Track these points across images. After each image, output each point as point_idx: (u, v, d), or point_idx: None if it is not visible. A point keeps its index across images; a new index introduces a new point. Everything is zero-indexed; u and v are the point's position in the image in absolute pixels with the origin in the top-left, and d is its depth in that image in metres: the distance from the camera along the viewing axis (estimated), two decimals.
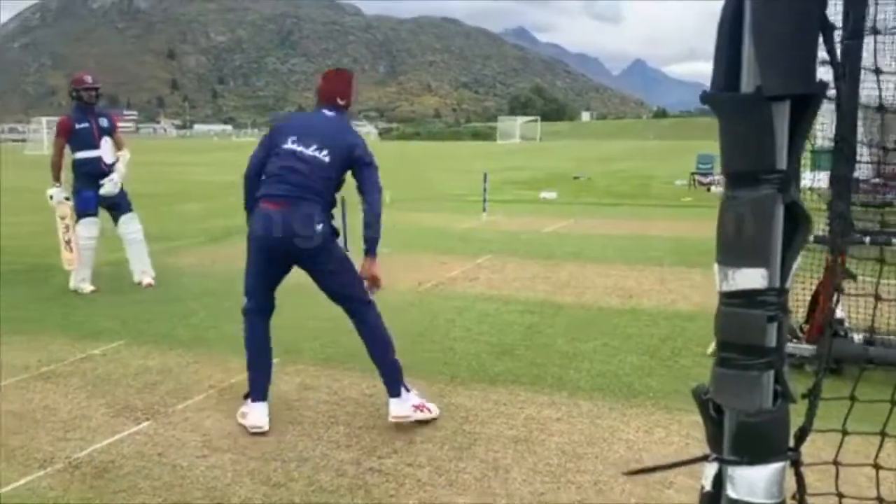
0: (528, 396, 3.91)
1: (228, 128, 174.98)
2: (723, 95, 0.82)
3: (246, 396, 3.68)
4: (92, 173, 6.44)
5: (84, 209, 6.50)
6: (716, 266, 0.87)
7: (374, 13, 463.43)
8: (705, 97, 0.83)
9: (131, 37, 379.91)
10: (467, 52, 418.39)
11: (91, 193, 6.47)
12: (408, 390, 3.65)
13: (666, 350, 4.70)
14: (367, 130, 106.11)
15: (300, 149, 3.58)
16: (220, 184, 18.55)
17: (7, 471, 3.10)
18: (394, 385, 3.62)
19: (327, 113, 3.78)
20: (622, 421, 3.60)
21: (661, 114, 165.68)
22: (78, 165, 6.52)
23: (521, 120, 73.80)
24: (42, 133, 45.84)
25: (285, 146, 3.61)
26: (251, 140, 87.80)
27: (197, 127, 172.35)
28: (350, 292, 3.78)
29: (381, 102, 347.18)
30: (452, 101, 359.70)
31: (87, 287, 6.50)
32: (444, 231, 10.00)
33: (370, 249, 3.72)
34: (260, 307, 3.78)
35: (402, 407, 3.56)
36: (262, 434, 3.45)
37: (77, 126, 6.41)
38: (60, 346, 4.89)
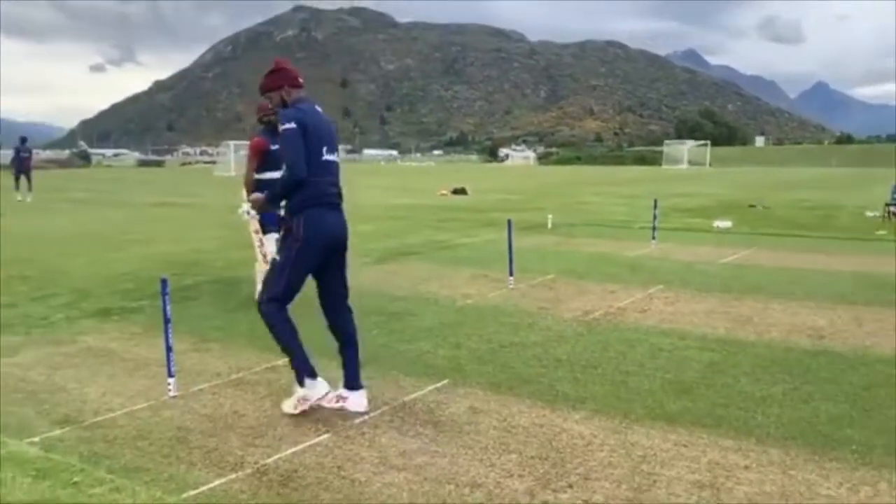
0: (710, 439, 3.67)
1: (394, 152, 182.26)
2: None
3: (301, 383, 4.00)
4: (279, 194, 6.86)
5: (269, 226, 6.89)
6: None
7: (538, 39, 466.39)
8: None
9: (309, 66, 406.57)
10: (632, 76, 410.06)
11: (275, 214, 6.87)
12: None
13: (867, 399, 4.25)
14: (525, 154, 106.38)
15: (332, 158, 4.04)
16: (386, 206, 19.30)
17: (203, 471, 3.32)
18: (358, 378, 4.13)
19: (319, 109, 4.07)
20: (820, 474, 3.27)
21: (846, 139, 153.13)
22: (264, 185, 6.89)
23: (689, 144, 71.02)
24: (230, 155, 49.98)
25: (324, 158, 3.97)
26: (414, 164, 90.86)
27: (365, 152, 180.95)
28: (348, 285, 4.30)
29: (540, 127, 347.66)
30: (615, 124, 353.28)
31: None
32: (610, 258, 9.74)
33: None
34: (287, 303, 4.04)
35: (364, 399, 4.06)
36: (436, 454, 3.47)
37: (271, 147, 6.85)
38: (248, 355, 5.21)
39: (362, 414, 4.01)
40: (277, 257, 4.01)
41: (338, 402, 4.08)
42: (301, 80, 4.11)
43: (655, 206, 11.12)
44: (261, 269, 6.83)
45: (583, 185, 30.74)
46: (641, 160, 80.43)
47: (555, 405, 4.16)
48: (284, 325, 4.01)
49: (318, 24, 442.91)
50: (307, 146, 3.87)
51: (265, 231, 6.94)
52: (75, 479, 3.19)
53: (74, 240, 12.01)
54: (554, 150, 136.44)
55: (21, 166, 22.94)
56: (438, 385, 4.50)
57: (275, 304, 4.00)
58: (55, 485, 3.13)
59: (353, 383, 4.09)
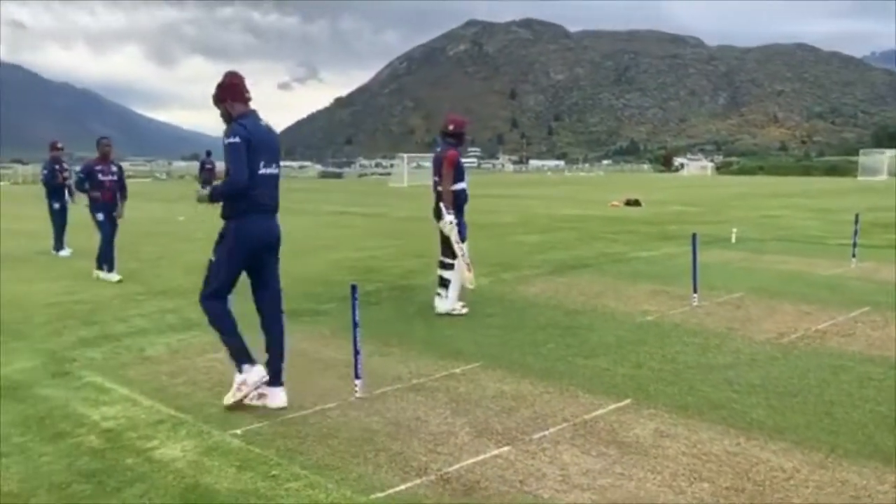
0: None
1: (561, 163, 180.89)
2: None
3: (239, 370, 4.39)
4: (463, 203, 6.98)
5: (462, 236, 6.99)
6: None
7: (717, 43, 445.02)
8: None
9: (479, 79, 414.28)
10: (823, 80, 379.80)
11: (464, 220, 7.00)
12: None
13: None
14: (701, 164, 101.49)
15: (270, 171, 4.45)
16: (554, 216, 19.12)
17: (389, 474, 3.40)
18: (280, 376, 4.45)
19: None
20: None
21: None
22: (455, 195, 7.00)
23: (889, 153, 64.47)
24: (403, 168, 51.92)
25: (261, 172, 4.35)
26: (582, 175, 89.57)
27: (532, 162, 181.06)
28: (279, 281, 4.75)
29: (719, 135, 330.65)
30: (802, 132, 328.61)
31: (462, 309, 6.91)
32: (804, 277, 8.99)
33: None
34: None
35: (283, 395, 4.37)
36: (622, 477, 3.33)
37: (460, 160, 7.01)
38: (426, 361, 5.31)
39: (280, 408, 4.31)
40: (213, 258, 4.56)
41: (259, 398, 4.37)
42: (248, 95, 4.47)
43: (857, 222, 10.14)
44: (468, 277, 6.92)
45: (768, 197, 28.76)
46: (833, 171, 74.03)
47: (749, 433, 3.87)
48: (224, 317, 4.53)
49: (490, 37, 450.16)
50: (248, 160, 4.27)
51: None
52: (273, 472, 3.39)
53: None
54: (733, 159, 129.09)
55: (207, 176, 25.56)
56: (620, 404, 4.34)
57: (213, 299, 4.54)
58: (256, 476, 3.34)
59: (274, 380, 4.42)
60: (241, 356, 4.43)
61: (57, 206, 11.89)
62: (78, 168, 10.23)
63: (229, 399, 4.36)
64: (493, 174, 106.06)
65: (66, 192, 12.04)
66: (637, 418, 4.11)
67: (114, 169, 9.74)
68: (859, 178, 58.22)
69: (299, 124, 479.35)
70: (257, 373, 4.37)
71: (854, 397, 4.43)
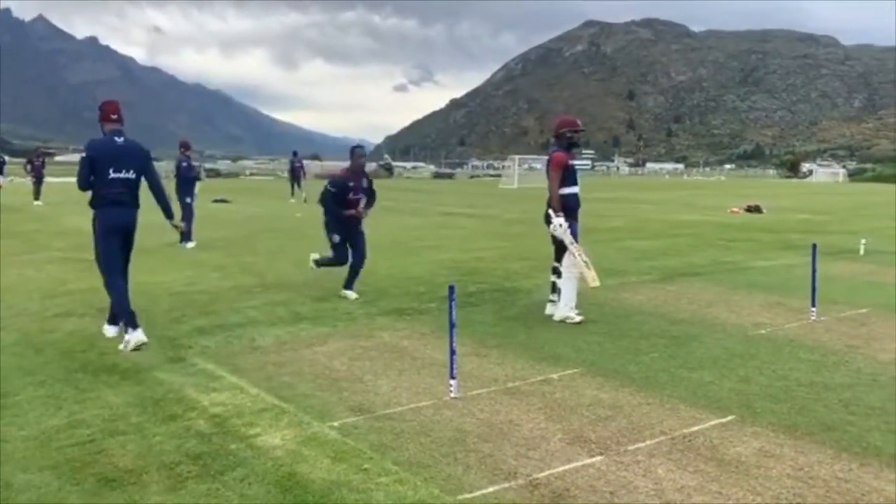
0: None
1: (680, 166, 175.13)
2: None
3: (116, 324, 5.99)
4: (574, 207, 6.86)
5: (574, 239, 6.84)
6: None
7: (854, 42, 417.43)
8: None
9: (596, 80, 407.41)
10: None
11: (575, 225, 6.86)
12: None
13: None
14: (832, 170, 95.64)
15: (120, 175, 5.78)
16: (668, 222, 18.53)
17: (478, 476, 3.41)
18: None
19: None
20: None
21: None
22: (565, 199, 6.86)
23: None
24: (514, 169, 51.84)
25: (110, 176, 5.75)
26: (702, 179, 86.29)
27: (648, 165, 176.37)
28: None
29: (853, 140, 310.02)
30: None
31: (576, 317, 6.69)
32: None
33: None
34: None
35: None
36: (719, 496, 3.20)
37: (569, 163, 6.89)
38: (523, 364, 5.29)
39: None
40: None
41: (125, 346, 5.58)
42: (115, 116, 5.86)
43: None
44: (591, 276, 6.74)
45: None
46: None
47: (864, 459, 3.62)
48: (119, 287, 5.80)
49: (608, 37, 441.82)
50: (95, 168, 5.68)
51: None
52: (366, 465, 3.47)
53: (377, 244, 13.19)
54: (868, 165, 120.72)
55: (294, 174, 27.79)
56: (723, 420, 4.16)
57: (108, 274, 5.84)
58: (349, 469, 3.44)
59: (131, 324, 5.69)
60: (128, 318, 5.67)
61: (188, 199, 12.68)
62: (328, 182, 8.13)
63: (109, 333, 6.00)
64: (607, 177, 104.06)
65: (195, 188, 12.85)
66: (740, 436, 3.93)
67: (364, 185, 8.06)
68: None
69: (414, 125, 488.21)
70: (138, 335, 5.60)
71: None
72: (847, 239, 13.53)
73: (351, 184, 7.90)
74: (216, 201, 24.16)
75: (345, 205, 7.88)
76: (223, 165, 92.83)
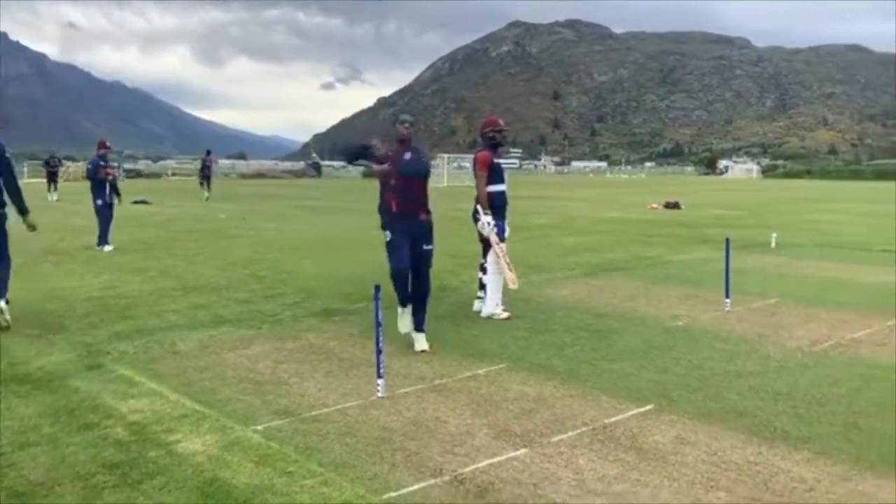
0: None
1: (603, 164, 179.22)
2: None
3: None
4: (501, 205, 6.95)
5: (500, 237, 6.94)
6: None
7: (766, 44, 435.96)
8: None
9: (521, 80, 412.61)
10: (875, 83, 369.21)
11: (503, 223, 6.96)
12: None
13: None
14: (747, 167, 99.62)
15: None
16: (593, 219, 18.97)
17: (404, 474, 3.42)
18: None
19: None
20: None
21: None
22: (492, 197, 6.93)
23: None
24: (443, 168, 52.01)
25: None
26: (624, 177, 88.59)
27: (574, 164, 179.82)
28: None
29: (765, 138, 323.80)
30: (853, 135, 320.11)
31: (503, 313, 6.80)
32: (843, 284, 8.77)
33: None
34: None
35: None
36: (637, 483, 3.30)
37: (495, 161, 6.96)
38: (451, 362, 5.33)
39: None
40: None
41: None
42: None
43: None
44: (511, 278, 6.85)
45: (814, 202, 28.11)
46: (885, 175, 71.97)
47: (773, 443, 3.80)
48: None
49: (533, 38, 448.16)
50: None
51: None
52: (290, 468, 3.44)
53: (304, 244, 13.11)
54: (780, 162, 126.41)
55: (204, 173, 28.49)
56: (642, 410, 4.30)
57: None
58: (273, 472, 3.40)
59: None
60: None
61: (99, 202, 12.21)
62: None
63: None
64: (534, 175, 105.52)
65: (110, 188, 12.36)
66: (658, 424, 4.07)
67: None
68: None
69: (343, 124, 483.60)
70: None
71: (884, 408, 4.31)
72: (760, 233, 14.13)
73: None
74: (136, 202, 23.39)
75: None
76: (144, 165, 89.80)
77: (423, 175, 5.90)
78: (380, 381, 4.54)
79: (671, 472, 3.44)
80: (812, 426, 4.04)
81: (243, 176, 70.21)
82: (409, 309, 5.77)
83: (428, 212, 5.92)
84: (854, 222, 18.18)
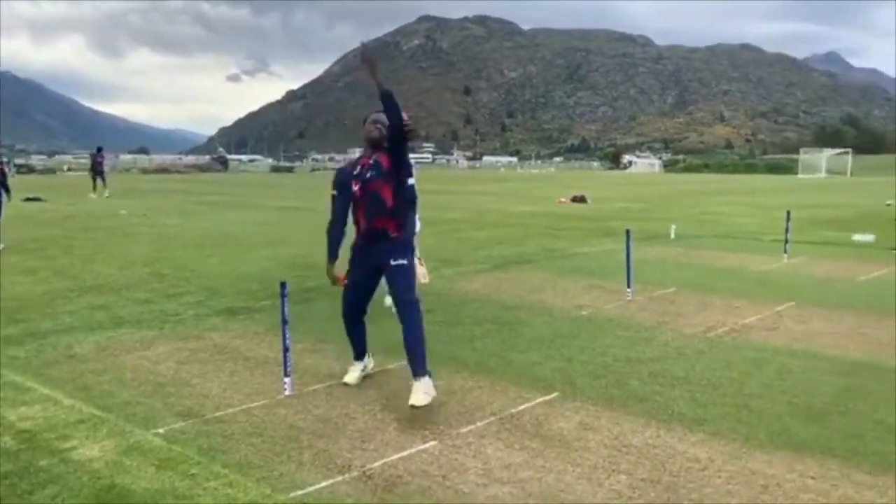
0: (842, 472, 3.37)
1: (514, 159, 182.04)
2: None
3: None
4: (411, 199, 6.92)
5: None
6: None
7: (666, 43, 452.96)
8: None
9: (433, 75, 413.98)
10: (767, 81, 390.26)
11: (414, 217, 6.93)
12: None
13: None
14: (649, 162, 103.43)
15: None
16: (504, 213, 19.25)
17: (311, 472, 3.39)
18: None
19: None
20: None
21: None
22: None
23: (828, 152, 66.67)
24: None
25: None
26: (534, 171, 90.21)
27: (485, 158, 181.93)
28: None
29: (667, 133, 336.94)
30: (747, 131, 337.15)
31: None
32: (736, 272, 9.24)
33: None
34: None
35: None
36: (542, 469, 3.38)
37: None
38: None
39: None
40: None
41: None
42: None
43: (788, 218, 10.46)
44: (422, 272, 6.82)
45: (710, 195, 29.46)
46: (775, 169, 76.23)
47: (670, 425, 3.97)
48: None
49: (443, 33, 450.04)
50: None
51: None
52: (193, 471, 3.34)
53: (209, 241, 12.72)
54: (681, 157, 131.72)
55: (96, 170, 27.36)
56: (548, 398, 4.41)
57: None
58: (175, 476, 3.29)
59: None
60: None
61: None
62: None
63: None
64: (448, 170, 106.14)
65: None
66: (562, 411, 4.18)
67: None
68: (799, 176, 60.10)
69: (250, 117, 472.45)
70: None
71: (772, 389, 4.58)
72: (660, 225, 14.70)
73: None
74: (28, 199, 22.11)
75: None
76: (37, 160, 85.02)
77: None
78: (287, 380, 4.48)
79: (574, 458, 3.54)
80: (706, 408, 4.24)
81: (145, 171, 67.63)
82: (360, 363, 4.81)
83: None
84: (747, 214, 19.17)
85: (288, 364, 4.47)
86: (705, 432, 3.87)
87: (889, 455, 3.56)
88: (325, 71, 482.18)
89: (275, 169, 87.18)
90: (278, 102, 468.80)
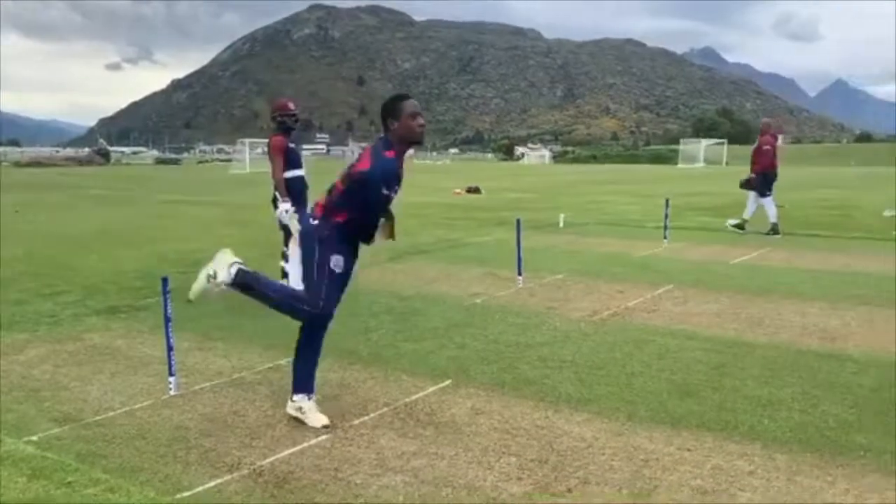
0: (715, 444, 3.59)
1: (411, 151, 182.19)
2: None
3: None
4: (300, 191, 6.83)
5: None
6: None
7: (555, 37, 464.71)
8: None
9: (325, 64, 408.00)
10: (649, 74, 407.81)
11: (304, 210, 6.84)
12: None
13: (878, 402, 4.16)
14: (540, 153, 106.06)
15: None
16: (401, 204, 19.24)
17: (199, 472, 3.29)
18: None
19: None
20: (826, 481, 3.20)
21: (866, 138, 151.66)
22: (289, 183, 6.79)
23: (705, 143, 70.53)
24: (245, 154, 50.27)
25: None
26: (430, 163, 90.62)
27: None
28: None
29: (556, 126, 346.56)
30: (631, 123, 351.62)
31: None
32: (620, 258, 9.65)
33: None
34: None
35: None
36: (435, 456, 3.43)
37: (289, 146, 6.81)
38: (251, 354, 5.19)
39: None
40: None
41: None
42: None
43: (667, 206, 11.00)
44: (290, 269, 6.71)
45: (597, 184, 30.57)
46: (658, 159, 79.99)
47: (558, 407, 4.11)
48: None
49: (335, 22, 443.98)
50: None
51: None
52: (70, 478, 3.17)
53: (89, 237, 12.08)
54: (570, 148, 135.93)
55: None
56: (441, 386, 4.46)
57: None
58: (49, 485, 3.12)
59: None
60: None
61: None
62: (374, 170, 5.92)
63: None
64: (344, 161, 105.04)
65: None
66: (455, 398, 4.25)
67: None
68: (679, 166, 63.29)
69: (133, 107, 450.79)
70: None
71: (652, 368, 4.82)
72: (550, 214, 15.10)
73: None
74: None
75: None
76: None
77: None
78: (172, 379, 4.32)
79: (467, 443, 3.61)
80: (592, 389, 4.41)
81: (18, 164, 63.36)
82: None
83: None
84: (631, 202, 20.00)
85: (173, 363, 4.32)
86: (590, 412, 4.03)
87: (757, 426, 3.82)
88: (212, 60, 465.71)
89: (160, 161, 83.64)
90: (163, 92, 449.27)
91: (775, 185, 12.66)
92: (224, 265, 3.81)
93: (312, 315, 3.92)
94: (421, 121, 3.83)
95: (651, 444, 3.59)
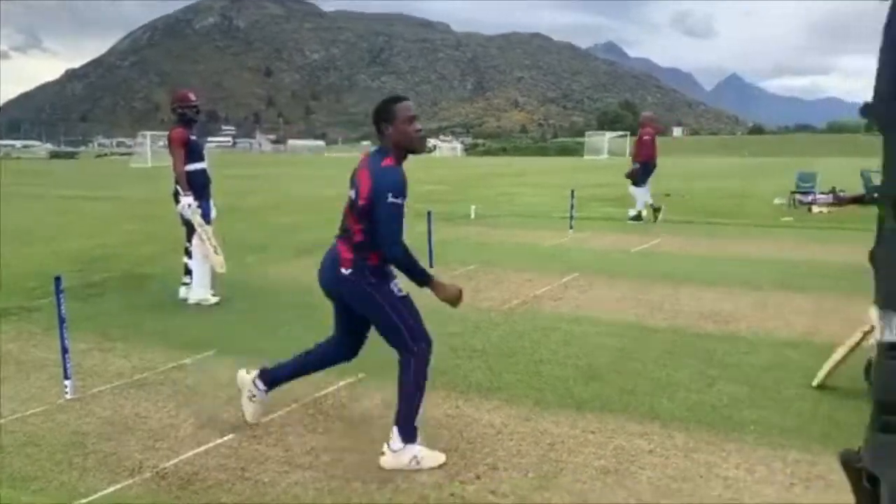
0: (617, 425, 3.73)
1: (321, 143, 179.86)
2: (891, 106, 0.69)
3: None
4: (203, 184, 6.61)
5: (206, 219, 6.59)
6: (873, 311, 0.73)
7: (464, 30, 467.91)
8: (867, 108, 0.70)
9: (230, 55, 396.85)
10: (556, 68, 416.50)
11: (207, 204, 6.64)
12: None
13: (767, 380, 4.41)
14: (452, 146, 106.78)
15: None
16: (311, 198, 18.99)
17: (97, 478, 3.16)
18: None
19: None
20: (720, 456, 3.37)
21: (758, 130, 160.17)
22: (191, 176, 6.57)
23: (609, 135, 72.68)
24: (146, 147, 48.36)
25: None
26: (342, 156, 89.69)
27: (291, 142, 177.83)
28: None
29: (467, 118, 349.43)
30: (539, 116, 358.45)
31: (211, 298, 6.56)
32: (529, 248, 9.84)
33: None
34: None
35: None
36: (345, 451, 3.41)
37: (191, 138, 6.58)
38: (154, 354, 5.01)
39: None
40: None
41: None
42: None
43: (573, 197, 11.30)
44: (219, 262, 6.52)
45: (507, 176, 31.03)
46: (565, 151, 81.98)
47: (468, 395, 4.16)
48: None
49: (239, 11, 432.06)
50: None
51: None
52: None
53: None
54: (481, 141, 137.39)
55: None
56: (352, 380, 4.44)
57: None
58: None
59: None
60: None
61: None
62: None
63: None
64: (251, 154, 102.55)
65: None
66: (366, 392, 4.24)
67: None
68: (585, 157, 65.01)
69: (23, 98, 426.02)
70: None
71: (559, 354, 4.95)
72: (462, 206, 15.24)
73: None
74: None
75: None
76: None
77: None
78: (67, 383, 4.13)
79: (376, 436, 3.60)
80: (501, 377, 4.49)
81: None
82: None
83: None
84: (540, 193, 20.41)
85: (68, 365, 4.13)
86: (500, 399, 4.11)
87: (657, 407, 3.99)
88: (110, 49, 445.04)
89: (54, 155, 79.44)
90: (56, 82, 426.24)
91: (653, 177, 13.19)
92: (247, 384, 3.75)
93: (429, 348, 3.74)
94: (418, 126, 3.54)
95: (557, 428, 3.69)
